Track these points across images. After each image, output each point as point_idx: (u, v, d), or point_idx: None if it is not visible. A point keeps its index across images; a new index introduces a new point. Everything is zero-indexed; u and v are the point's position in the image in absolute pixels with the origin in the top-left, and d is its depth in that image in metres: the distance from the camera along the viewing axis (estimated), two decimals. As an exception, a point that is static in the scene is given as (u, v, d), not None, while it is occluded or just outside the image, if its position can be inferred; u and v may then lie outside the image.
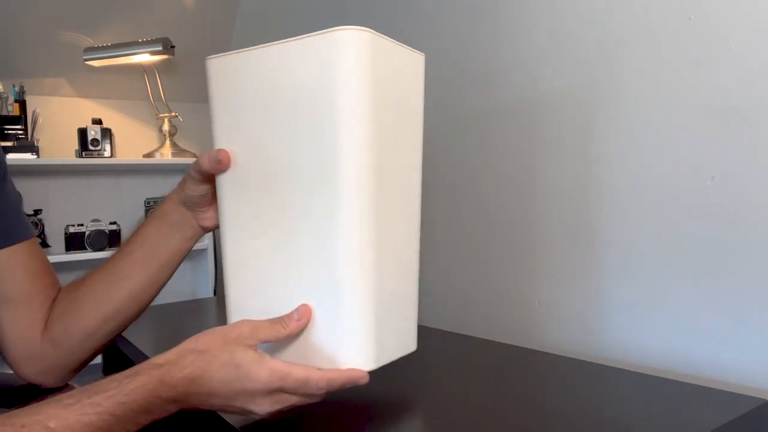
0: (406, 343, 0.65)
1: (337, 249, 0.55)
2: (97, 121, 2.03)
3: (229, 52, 0.61)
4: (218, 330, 0.56)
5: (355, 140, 0.55)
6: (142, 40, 1.94)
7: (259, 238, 0.61)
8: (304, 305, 0.58)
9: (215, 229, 0.71)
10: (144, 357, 0.90)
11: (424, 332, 0.70)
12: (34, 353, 0.72)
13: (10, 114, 1.90)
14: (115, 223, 2.05)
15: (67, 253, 1.94)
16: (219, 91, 0.63)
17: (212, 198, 0.69)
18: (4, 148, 1.69)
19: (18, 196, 0.75)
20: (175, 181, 0.73)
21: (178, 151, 2.12)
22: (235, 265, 0.64)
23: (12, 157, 1.82)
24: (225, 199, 0.64)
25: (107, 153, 2.01)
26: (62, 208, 2.06)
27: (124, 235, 2.07)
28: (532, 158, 1.06)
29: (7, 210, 0.71)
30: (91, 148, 1.98)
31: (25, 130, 1.90)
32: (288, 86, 0.57)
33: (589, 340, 0.97)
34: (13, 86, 1.92)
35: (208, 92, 0.63)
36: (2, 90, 1.91)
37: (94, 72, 2.04)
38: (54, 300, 0.74)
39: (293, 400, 0.55)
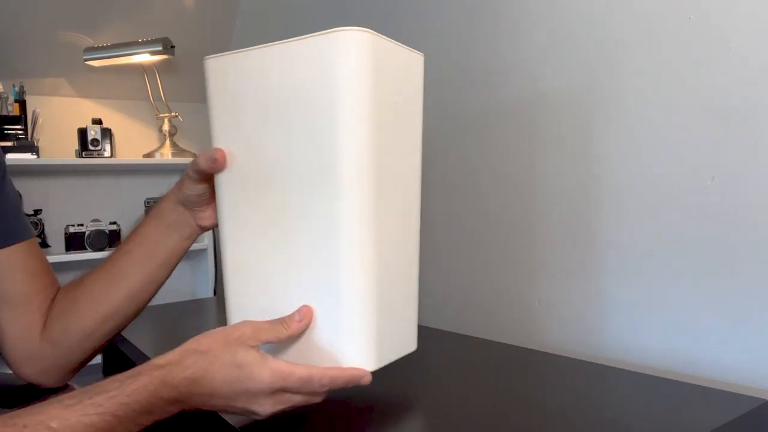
0: (407, 343, 0.65)
1: (338, 249, 0.55)
2: (97, 121, 2.03)
3: (227, 52, 0.61)
4: (220, 331, 0.56)
5: (355, 140, 0.55)
6: (142, 40, 1.94)
7: (259, 238, 0.61)
8: (305, 306, 0.58)
9: (213, 228, 0.71)
10: (144, 357, 0.90)
11: (424, 332, 0.70)
12: (33, 353, 0.72)
13: (10, 114, 1.90)
14: (115, 223, 2.05)
15: (67, 253, 1.94)
16: (217, 91, 0.63)
17: (210, 197, 0.69)
18: (4, 148, 1.69)
19: (18, 196, 0.75)
20: (174, 181, 0.73)
21: (178, 151, 2.12)
22: (234, 266, 0.64)
23: (12, 157, 1.81)
24: (224, 200, 0.64)
25: (107, 153, 2.01)
26: (62, 208, 2.06)
27: (124, 235, 2.06)
28: (532, 158, 1.06)
29: (6, 210, 0.71)
30: (91, 148, 1.98)
31: (25, 130, 1.90)
32: (288, 86, 0.57)
33: (589, 340, 0.97)
34: (13, 86, 1.92)
35: (207, 92, 0.63)
36: (2, 90, 1.91)
37: (94, 72, 2.04)
38: (53, 300, 0.74)
39: (296, 399, 0.55)
